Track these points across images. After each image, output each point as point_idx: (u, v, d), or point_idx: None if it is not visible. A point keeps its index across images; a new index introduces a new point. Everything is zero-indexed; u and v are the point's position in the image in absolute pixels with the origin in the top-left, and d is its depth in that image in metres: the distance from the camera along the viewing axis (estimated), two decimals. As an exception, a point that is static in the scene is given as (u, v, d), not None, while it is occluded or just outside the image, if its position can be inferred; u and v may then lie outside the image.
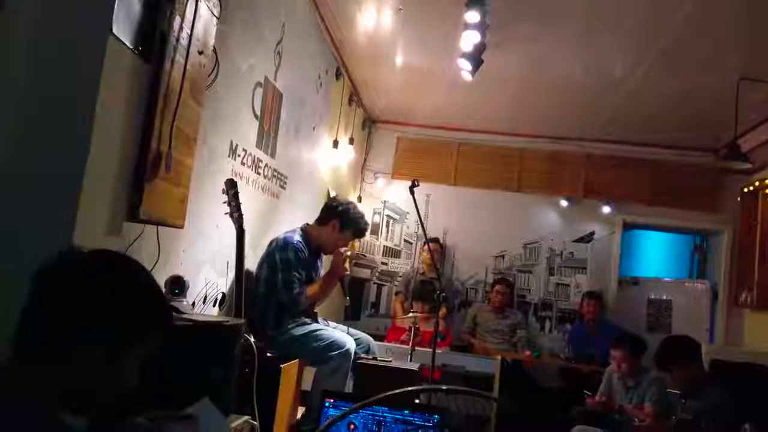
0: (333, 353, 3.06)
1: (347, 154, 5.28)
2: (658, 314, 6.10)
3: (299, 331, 3.13)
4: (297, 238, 3.23)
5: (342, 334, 3.20)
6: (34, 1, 1.77)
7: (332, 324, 3.47)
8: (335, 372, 3.03)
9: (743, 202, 5.59)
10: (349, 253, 3.40)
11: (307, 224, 3.42)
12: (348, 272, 3.37)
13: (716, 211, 5.97)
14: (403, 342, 4.65)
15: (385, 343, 4.73)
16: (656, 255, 7.46)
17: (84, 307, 1.03)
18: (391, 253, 6.46)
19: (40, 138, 1.77)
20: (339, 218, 3.32)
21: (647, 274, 6.66)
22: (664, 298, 6.15)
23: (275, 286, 3.10)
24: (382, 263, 6.43)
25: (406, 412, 1.88)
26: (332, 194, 4.69)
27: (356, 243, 6.27)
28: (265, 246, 3.31)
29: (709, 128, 5.35)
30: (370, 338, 3.54)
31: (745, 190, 5.51)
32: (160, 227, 2.22)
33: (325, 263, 3.58)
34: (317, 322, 3.32)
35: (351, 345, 3.12)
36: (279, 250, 3.16)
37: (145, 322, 1.10)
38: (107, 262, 1.13)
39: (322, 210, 3.44)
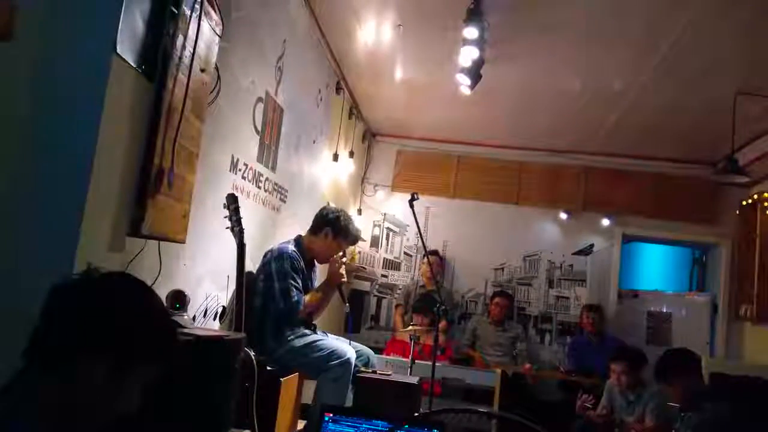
0: (333, 363, 3.06)
1: (347, 167, 5.31)
2: (658, 327, 6.10)
3: (299, 342, 3.14)
4: (291, 247, 3.24)
5: (342, 344, 3.21)
6: (39, 21, 1.80)
7: (332, 336, 3.47)
8: (336, 381, 3.02)
9: (742, 216, 5.60)
10: (345, 259, 3.40)
11: (300, 235, 3.44)
12: (345, 279, 3.37)
13: (715, 224, 5.98)
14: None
15: (385, 356, 4.73)
16: (656, 268, 7.47)
17: (91, 327, 1.05)
18: (391, 265, 6.47)
19: (45, 154, 1.79)
20: (331, 226, 3.35)
21: (647, 287, 6.66)
22: (664, 310, 6.14)
23: (273, 297, 3.11)
24: (382, 276, 6.45)
25: (405, 426, 1.89)
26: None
27: (355, 256, 6.29)
28: (263, 258, 3.33)
29: (708, 142, 5.38)
30: (370, 351, 3.54)
31: (744, 203, 5.52)
32: (162, 242, 2.24)
33: (320, 274, 3.59)
34: (316, 334, 3.33)
35: (351, 354, 3.13)
36: (274, 260, 3.17)
37: (150, 348, 1.12)
38: (118, 286, 1.15)
39: (314, 220, 3.45)
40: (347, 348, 3.16)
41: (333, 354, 3.09)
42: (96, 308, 1.07)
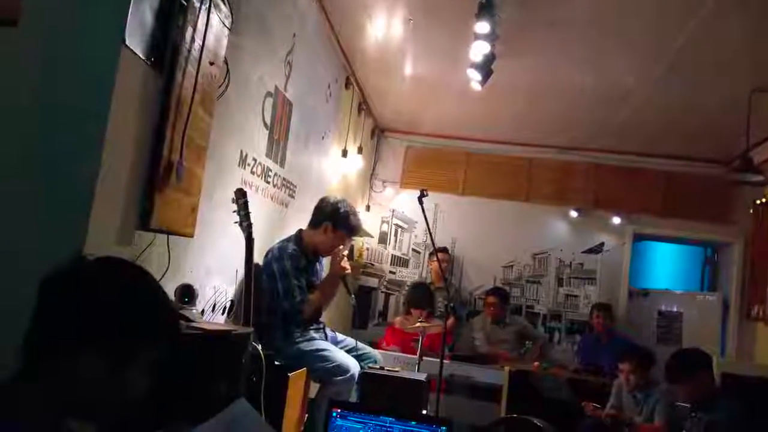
0: (337, 378, 3.06)
1: (356, 163, 5.30)
2: (669, 326, 6.05)
3: (306, 346, 3.13)
4: (291, 246, 3.21)
5: (347, 358, 3.17)
6: (47, 12, 1.80)
7: (340, 336, 3.46)
8: (338, 395, 3.01)
9: (755, 214, 5.54)
10: (346, 252, 3.37)
11: (301, 230, 3.40)
12: (348, 271, 3.35)
13: (728, 223, 5.93)
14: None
15: (393, 353, 4.71)
16: (667, 267, 7.41)
17: (88, 316, 1.02)
18: (399, 262, 6.46)
19: (53, 147, 1.79)
20: (330, 220, 3.28)
21: (658, 286, 6.62)
22: (675, 310, 6.09)
23: (276, 297, 3.10)
24: (390, 272, 6.43)
25: (413, 423, 1.87)
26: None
27: (363, 252, 6.28)
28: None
29: (721, 139, 5.32)
30: (377, 353, 3.54)
31: (757, 202, 5.46)
32: (170, 236, 2.24)
33: (325, 266, 3.57)
34: (325, 333, 3.32)
35: (355, 369, 3.11)
36: (275, 260, 3.15)
37: (151, 330, 1.08)
38: (112, 270, 1.12)
39: (314, 213, 3.38)
40: (351, 363, 3.14)
41: (337, 369, 3.08)
42: (93, 295, 1.04)
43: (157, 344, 1.10)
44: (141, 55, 1.94)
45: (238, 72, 2.77)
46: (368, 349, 3.50)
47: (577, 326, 6.08)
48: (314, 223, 3.35)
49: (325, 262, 3.61)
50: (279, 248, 3.20)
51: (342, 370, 3.07)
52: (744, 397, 3.48)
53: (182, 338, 1.15)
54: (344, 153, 4.94)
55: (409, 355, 4.46)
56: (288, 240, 3.29)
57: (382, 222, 6.44)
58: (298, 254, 3.19)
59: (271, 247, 3.27)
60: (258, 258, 3.15)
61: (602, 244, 6.16)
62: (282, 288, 3.09)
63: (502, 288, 5.96)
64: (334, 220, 3.28)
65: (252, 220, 2.68)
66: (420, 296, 4.95)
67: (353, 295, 3.49)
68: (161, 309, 1.12)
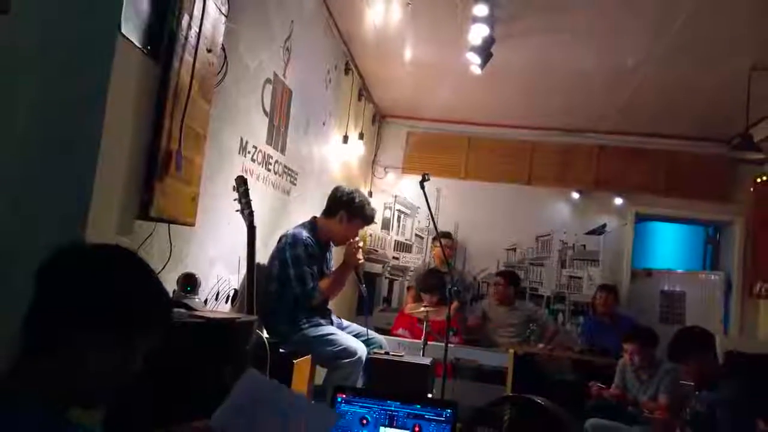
0: (344, 361, 3.07)
1: (357, 149, 5.28)
2: (672, 306, 6.06)
3: (313, 332, 3.14)
4: (306, 233, 3.23)
5: (354, 341, 3.19)
6: (41, 0, 1.78)
7: (345, 323, 3.47)
8: (345, 379, 3.04)
9: (756, 192, 5.53)
10: (361, 243, 3.38)
11: (315, 217, 3.42)
12: (361, 261, 3.36)
13: (729, 202, 5.91)
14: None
15: (398, 338, 4.74)
16: (669, 246, 7.41)
17: (81, 300, 1.03)
18: (403, 247, 6.46)
19: (51, 138, 1.78)
20: (345, 209, 3.30)
21: (660, 266, 6.61)
22: (678, 289, 6.10)
23: (288, 283, 3.11)
24: (394, 258, 6.44)
25: (418, 406, 1.88)
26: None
27: (366, 238, 6.28)
28: (276, 242, 3.32)
29: (722, 118, 5.29)
30: (383, 339, 3.55)
31: (758, 180, 5.45)
32: (171, 225, 2.24)
33: (336, 255, 3.58)
34: (331, 321, 3.33)
35: (362, 352, 3.13)
36: (289, 246, 3.16)
37: (143, 312, 1.09)
38: (103, 255, 1.12)
39: (328, 202, 3.41)
40: (358, 345, 3.15)
41: (344, 351, 3.09)
42: (86, 279, 1.04)
43: (150, 326, 1.10)
44: (137, 44, 1.92)
45: (236, 59, 2.75)
46: (373, 334, 3.51)
47: (580, 308, 6.09)
48: (329, 212, 3.37)
49: (335, 251, 3.61)
50: (293, 234, 3.21)
51: (349, 352, 3.09)
52: (747, 374, 3.48)
53: (177, 323, 1.15)
54: (345, 139, 4.93)
55: (414, 340, 4.49)
56: (303, 226, 3.30)
57: (385, 208, 6.43)
58: (312, 242, 3.21)
59: (285, 232, 3.28)
60: (263, 245, 3.16)
61: (604, 225, 6.16)
62: (294, 274, 3.10)
63: (508, 270, 5.96)
64: (350, 209, 3.30)
65: (253, 208, 2.67)
66: (433, 282, 4.95)
67: (364, 285, 3.51)
68: (153, 291, 1.12)
